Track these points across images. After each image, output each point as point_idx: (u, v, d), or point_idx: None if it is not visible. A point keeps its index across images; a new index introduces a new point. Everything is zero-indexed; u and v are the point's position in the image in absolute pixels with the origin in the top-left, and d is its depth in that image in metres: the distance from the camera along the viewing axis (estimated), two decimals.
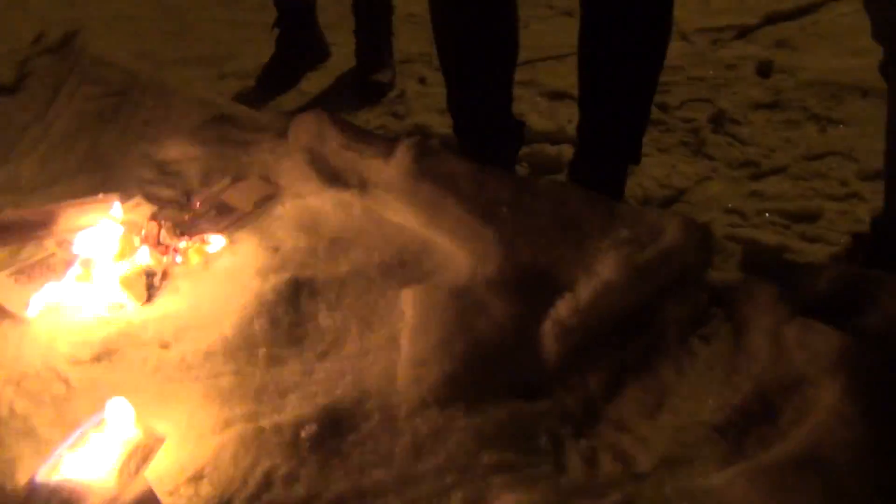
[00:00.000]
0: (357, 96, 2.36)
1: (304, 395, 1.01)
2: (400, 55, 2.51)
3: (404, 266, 1.22)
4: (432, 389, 1.00)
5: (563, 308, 1.08)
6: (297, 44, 2.42)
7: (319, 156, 1.45)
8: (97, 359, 1.09)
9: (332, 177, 1.41)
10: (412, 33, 2.66)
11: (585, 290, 1.10)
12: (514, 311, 1.10)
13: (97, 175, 1.48)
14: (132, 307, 1.18)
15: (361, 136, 1.48)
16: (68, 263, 1.25)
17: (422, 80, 2.45)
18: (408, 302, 1.13)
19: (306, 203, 1.36)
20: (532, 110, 2.08)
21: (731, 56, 2.27)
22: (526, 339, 1.07)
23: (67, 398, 1.03)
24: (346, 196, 1.35)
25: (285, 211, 1.36)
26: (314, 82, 2.58)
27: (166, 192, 1.43)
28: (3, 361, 1.08)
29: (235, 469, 0.92)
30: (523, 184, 1.34)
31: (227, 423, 0.96)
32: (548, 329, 1.07)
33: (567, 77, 2.22)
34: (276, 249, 1.27)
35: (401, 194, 1.33)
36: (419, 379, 1.01)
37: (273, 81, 2.36)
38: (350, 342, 1.10)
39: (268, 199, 1.39)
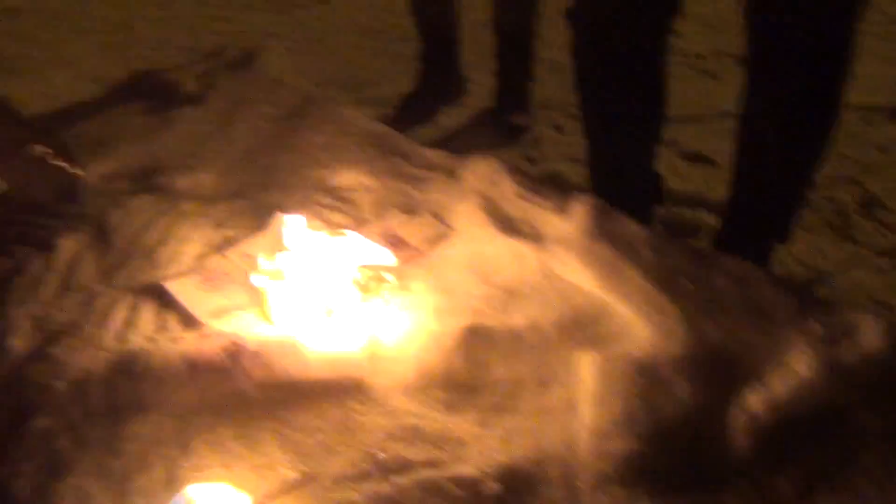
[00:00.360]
0: (493, 136, 2.38)
1: (482, 448, 0.99)
2: (538, 100, 2.52)
3: (580, 327, 1.20)
4: (616, 465, 0.97)
5: (753, 399, 1.04)
6: (438, 78, 2.46)
7: (492, 202, 1.46)
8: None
9: (506, 225, 1.40)
10: (552, 79, 2.67)
11: (778, 383, 1.05)
12: (699, 394, 1.06)
13: (275, 194, 1.52)
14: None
15: (536, 187, 1.48)
16: (249, 275, 1.29)
17: (558, 128, 2.46)
18: (587, 367, 1.10)
19: (479, 248, 1.36)
20: (670, 171, 2.04)
21: (883, 137, 2.19)
22: (712, 426, 1.03)
23: None
24: (521, 246, 1.35)
25: (458, 254, 1.36)
26: (451, 118, 2.62)
27: (341, 219, 1.46)
28: None
29: None
30: (705, 257, 1.30)
31: (410, 467, 0.96)
32: (736, 419, 1.03)
33: (707, 140, 2.19)
34: (450, 292, 1.27)
35: (577, 253, 1.31)
36: (602, 452, 0.98)
37: (411, 112, 2.40)
38: (526, 399, 1.08)
39: (441, 238, 1.39)
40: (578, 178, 2.25)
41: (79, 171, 1.40)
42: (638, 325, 1.18)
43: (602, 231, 1.32)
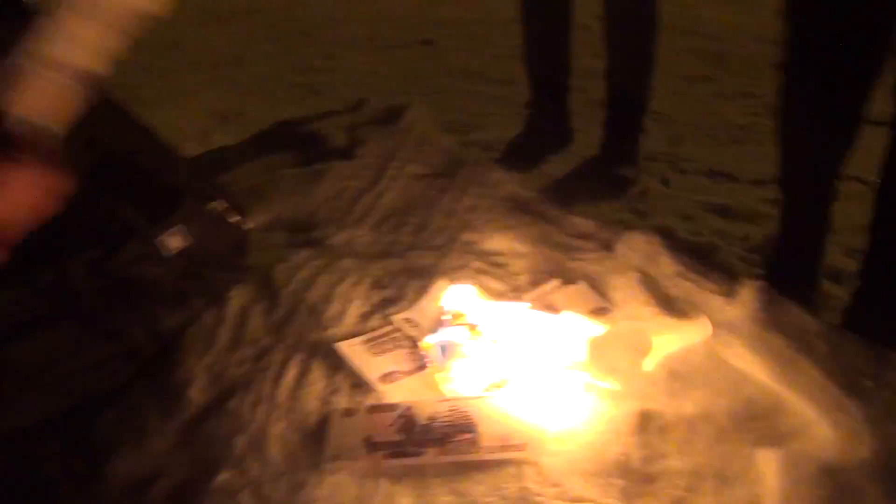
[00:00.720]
0: (598, 187, 2.36)
1: None
2: (644, 152, 2.50)
3: (756, 420, 1.16)
4: None
5: None
6: (545, 124, 2.47)
7: (652, 279, 1.44)
8: None
9: (667, 304, 1.39)
10: (659, 132, 2.65)
11: None
12: None
13: (429, 255, 1.55)
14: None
15: (697, 267, 1.46)
16: (413, 341, 1.31)
17: (665, 181, 2.43)
18: (769, 465, 1.07)
19: (642, 328, 1.34)
20: None
21: None
22: None
23: None
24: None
25: (621, 332, 1.34)
26: (556, 166, 2.62)
27: (496, 285, 1.47)
28: None
29: None
30: (884, 356, 1.26)
31: None
32: None
33: None
34: (618, 373, 1.25)
35: (746, 340, 1.28)
36: None
37: (516, 158, 2.41)
38: (706, 494, 1.05)
39: (601, 311, 1.39)
40: (688, 234, 2.23)
41: (248, 225, 1.45)
42: (818, 423, 1.14)
43: (773, 319, 1.29)
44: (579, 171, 2.52)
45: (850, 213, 1.81)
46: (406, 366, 1.26)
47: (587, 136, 2.59)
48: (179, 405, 1.22)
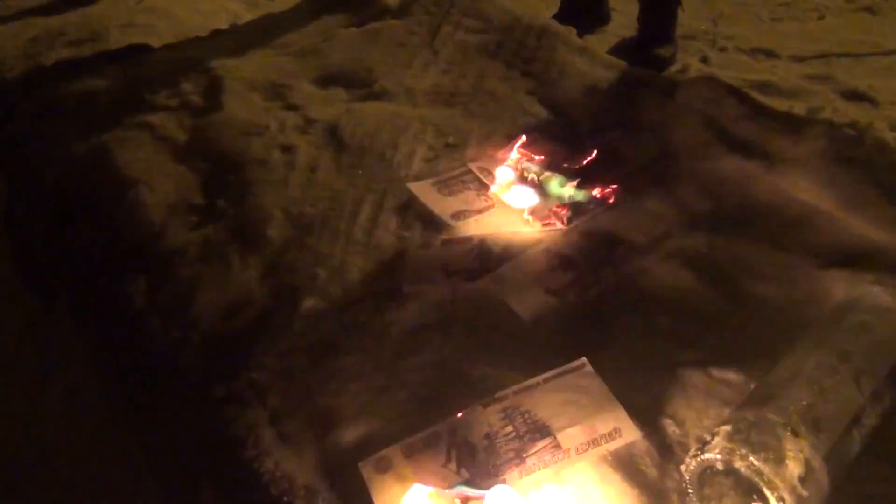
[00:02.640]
0: (637, 67, 2.33)
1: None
2: (683, 30, 2.46)
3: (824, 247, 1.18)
4: None
5: None
6: (581, 3, 2.41)
7: (716, 122, 1.44)
8: None
9: (732, 145, 1.39)
10: (698, 9, 2.58)
11: None
12: None
13: (489, 105, 1.56)
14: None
15: (762, 110, 1.45)
16: (481, 182, 1.34)
17: (703, 59, 2.40)
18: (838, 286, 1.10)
19: (706, 167, 1.35)
20: (827, 106, 2.01)
21: None
22: None
23: None
24: (751, 167, 1.33)
25: (683, 171, 1.36)
26: (593, 45, 2.56)
27: (557, 131, 1.48)
28: None
29: None
30: None
31: None
32: None
33: (865, 78, 2.13)
34: (682, 207, 1.28)
35: (815, 175, 1.29)
36: None
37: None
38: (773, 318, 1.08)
39: (664, 156, 1.39)
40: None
41: None
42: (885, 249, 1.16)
43: (840, 156, 1.29)
44: (616, 51, 2.49)
45: None
46: (476, 205, 1.29)
47: (626, 16, 2.53)
48: (260, 242, 1.27)
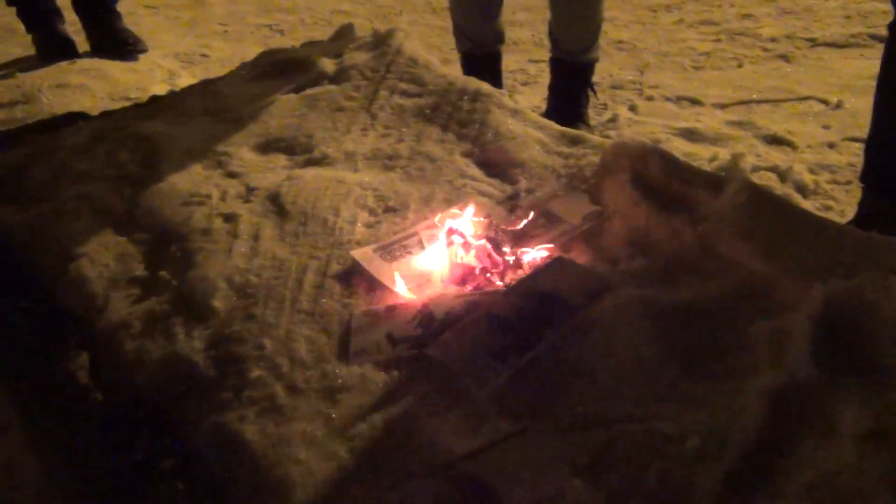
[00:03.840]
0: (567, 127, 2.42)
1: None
2: (611, 80, 2.57)
3: (746, 300, 1.25)
4: None
5: None
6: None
7: (643, 181, 1.51)
8: None
9: (659, 203, 1.46)
10: (625, 60, 2.72)
11: None
12: None
13: (427, 168, 1.60)
14: None
15: (686, 168, 1.53)
16: (422, 246, 1.37)
17: (632, 108, 2.52)
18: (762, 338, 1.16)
19: (635, 224, 1.42)
20: (750, 151, 2.17)
21: None
22: None
23: None
24: (676, 223, 1.40)
25: (613, 228, 1.42)
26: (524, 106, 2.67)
27: (494, 193, 1.53)
28: None
29: None
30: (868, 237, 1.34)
31: None
32: None
33: (783, 122, 2.30)
34: (614, 263, 1.34)
35: (736, 229, 1.37)
36: None
37: None
38: (708, 367, 1.14)
39: (596, 215, 1.46)
40: None
41: None
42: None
43: (759, 213, 1.37)
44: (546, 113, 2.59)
45: None
46: (419, 269, 1.33)
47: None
48: (205, 313, 1.28)
